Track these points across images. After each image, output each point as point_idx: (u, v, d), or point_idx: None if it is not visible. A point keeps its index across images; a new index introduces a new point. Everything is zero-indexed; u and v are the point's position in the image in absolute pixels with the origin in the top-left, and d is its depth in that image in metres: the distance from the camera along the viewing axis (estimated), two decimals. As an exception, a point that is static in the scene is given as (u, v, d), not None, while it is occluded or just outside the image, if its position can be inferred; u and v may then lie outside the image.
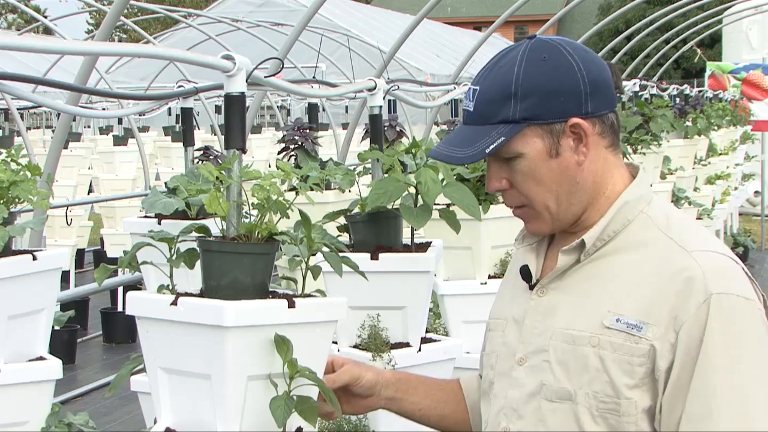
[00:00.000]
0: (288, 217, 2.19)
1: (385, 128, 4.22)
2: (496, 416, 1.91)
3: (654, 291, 1.76)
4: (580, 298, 1.84)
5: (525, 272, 1.93)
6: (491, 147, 1.80)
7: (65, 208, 9.08)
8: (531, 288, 1.92)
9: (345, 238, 3.10)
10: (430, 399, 2.17)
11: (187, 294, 2.18)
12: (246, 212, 2.20)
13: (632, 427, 1.76)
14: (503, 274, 3.82)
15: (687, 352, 1.72)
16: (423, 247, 3.15)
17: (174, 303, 2.09)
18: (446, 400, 2.18)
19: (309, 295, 2.22)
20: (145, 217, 3.05)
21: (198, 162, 3.35)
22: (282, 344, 2.04)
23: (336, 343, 3.09)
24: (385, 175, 3.09)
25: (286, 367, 2.05)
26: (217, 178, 2.22)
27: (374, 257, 2.98)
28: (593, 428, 1.77)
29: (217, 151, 3.59)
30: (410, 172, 3.00)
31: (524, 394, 1.86)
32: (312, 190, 2.59)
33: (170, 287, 2.21)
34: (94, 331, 10.33)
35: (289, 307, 2.08)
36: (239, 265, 2.09)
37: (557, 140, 1.81)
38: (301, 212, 2.20)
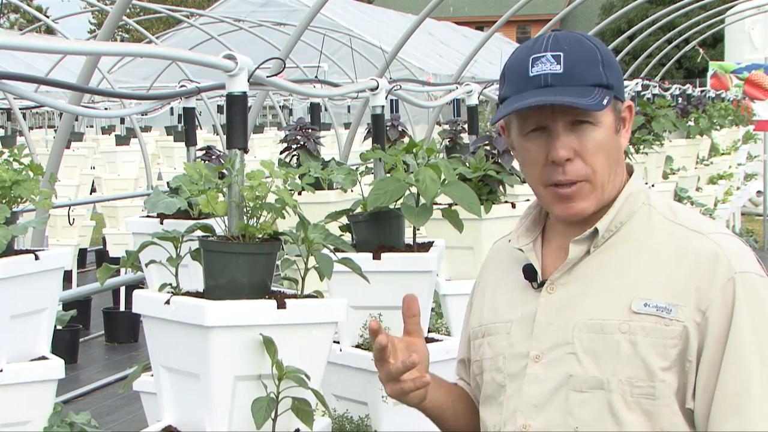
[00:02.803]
0: (284, 217, 2.19)
1: (388, 128, 4.22)
2: (512, 416, 1.90)
3: (678, 274, 1.79)
4: (599, 288, 1.84)
5: (530, 271, 1.93)
6: (606, 99, 1.79)
7: (67, 207, 9.07)
8: (539, 286, 1.91)
9: (347, 237, 3.10)
10: (454, 395, 2.12)
11: (188, 293, 2.18)
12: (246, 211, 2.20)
13: (666, 409, 1.78)
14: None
15: (717, 330, 1.75)
16: (425, 246, 3.15)
17: (167, 302, 2.10)
18: (461, 397, 2.14)
19: (309, 296, 2.22)
20: (148, 216, 3.06)
21: (200, 162, 3.35)
22: (270, 345, 2.04)
23: (338, 342, 3.09)
24: (387, 175, 3.09)
25: (274, 368, 2.05)
26: (220, 176, 2.23)
27: (376, 257, 2.99)
28: (627, 414, 1.78)
29: (219, 151, 3.60)
30: (412, 172, 3.00)
31: (546, 389, 1.85)
32: (304, 189, 2.60)
33: (174, 286, 2.22)
34: (96, 331, 10.33)
35: (278, 307, 2.08)
36: (235, 265, 2.10)
37: (619, 118, 1.86)
38: (298, 212, 2.20)
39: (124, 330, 9.93)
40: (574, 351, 1.83)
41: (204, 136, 12.63)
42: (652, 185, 6.97)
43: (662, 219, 1.87)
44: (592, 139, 1.81)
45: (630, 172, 1.94)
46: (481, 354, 2.00)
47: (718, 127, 10.44)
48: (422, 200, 2.95)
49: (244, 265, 2.11)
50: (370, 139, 3.49)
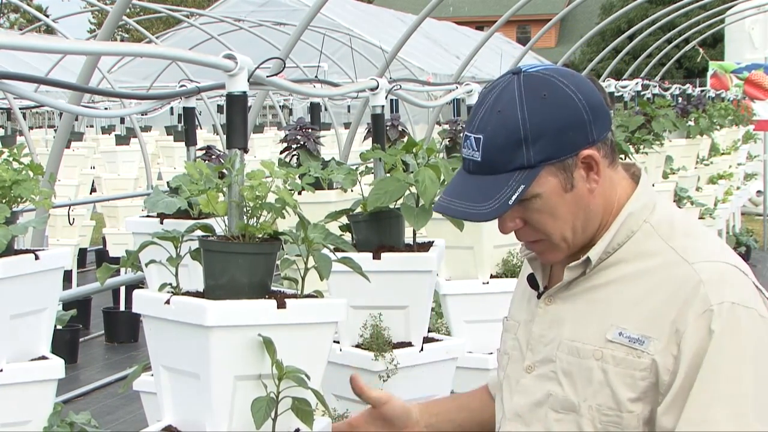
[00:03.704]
0: (284, 217, 2.19)
1: (387, 128, 4.21)
2: (503, 419, 1.92)
3: (656, 304, 1.77)
4: (585, 309, 1.84)
5: (532, 281, 1.94)
6: (513, 198, 1.76)
7: (67, 207, 9.07)
8: (539, 296, 1.92)
9: (347, 237, 3.10)
10: (466, 411, 2.16)
11: (188, 293, 2.18)
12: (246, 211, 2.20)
13: None
14: (505, 274, 3.84)
15: (687, 363, 1.72)
16: (425, 246, 3.15)
17: (167, 302, 2.10)
18: (481, 408, 2.17)
19: (309, 296, 2.22)
20: (147, 216, 3.06)
21: (201, 161, 3.35)
22: (270, 345, 2.04)
23: (338, 342, 3.09)
24: (387, 175, 3.09)
25: (274, 368, 2.05)
26: (220, 176, 2.23)
27: (376, 257, 2.98)
28: None
29: (219, 151, 3.60)
30: (412, 172, 3.00)
31: (530, 402, 1.86)
32: (304, 189, 2.60)
33: (174, 286, 2.22)
34: (96, 331, 10.33)
35: (278, 307, 2.08)
36: (235, 265, 2.10)
37: (570, 174, 1.80)
38: (298, 212, 2.20)
39: (124, 330, 9.93)
40: (555, 370, 1.84)
41: (204, 136, 12.63)
42: (653, 185, 6.96)
43: (658, 240, 1.83)
44: (535, 210, 1.81)
45: (636, 176, 1.91)
46: (499, 347, 2.04)
47: (718, 127, 10.43)
48: (422, 201, 2.95)
49: (244, 265, 2.10)
50: (370, 139, 3.49)
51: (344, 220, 3.12)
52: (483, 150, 1.78)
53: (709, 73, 18.45)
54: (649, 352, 1.74)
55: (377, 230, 3.06)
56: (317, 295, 2.23)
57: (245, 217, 2.18)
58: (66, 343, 8.61)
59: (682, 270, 1.77)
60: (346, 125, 14.18)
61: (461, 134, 4.95)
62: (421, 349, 3.12)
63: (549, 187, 1.79)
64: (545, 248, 1.86)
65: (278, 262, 2.30)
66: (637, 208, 1.86)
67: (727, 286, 1.75)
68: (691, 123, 8.43)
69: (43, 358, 2.58)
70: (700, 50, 22.26)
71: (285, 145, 3.90)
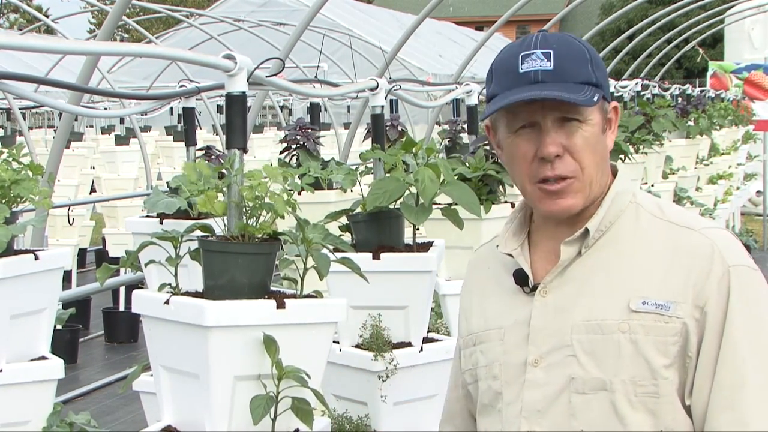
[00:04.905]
0: (283, 217, 2.19)
1: (387, 128, 4.22)
2: (515, 421, 1.89)
3: (673, 271, 1.80)
4: (593, 288, 1.84)
5: (521, 276, 1.92)
6: (596, 97, 1.80)
7: (67, 207, 9.07)
8: (532, 290, 1.91)
9: (347, 237, 3.10)
10: None
11: (187, 293, 2.18)
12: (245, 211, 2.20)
13: (669, 406, 1.78)
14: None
15: (715, 325, 1.77)
16: (425, 246, 3.15)
17: (167, 302, 2.10)
18: None
19: (309, 296, 2.22)
20: (147, 216, 3.06)
21: (201, 161, 3.35)
22: (270, 345, 2.04)
23: (338, 342, 3.10)
24: (387, 175, 3.09)
25: (274, 368, 2.05)
26: (220, 176, 2.23)
27: (376, 257, 2.99)
28: (632, 414, 1.79)
29: (219, 151, 3.60)
30: (412, 172, 3.00)
31: (548, 392, 1.85)
32: (304, 190, 2.60)
33: (174, 286, 2.22)
34: (95, 331, 10.33)
35: (278, 307, 2.08)
36: (235, 265, 2.10)
37: (605, 118, 1.87)
38: (295, 215, 2.20)
39: (124, 330, 9.93)
40: (574, 353, 1.83)
41: (204, 136, 12.63)
42: (652, 185, 6.97)
43: (651, 217, 1.88)
44: (581, 136, 1.82)
45: (614, 172, 1.95)
46: (474, 362, 1.99)
47: (718, 127, 10.44)
48: (421, 200, 2.95)
49: (243, 265, 2.11)
50: (370, 139, 3.49)
51: (344, 220, 3.12)
52: (555, 60, 1.82)
53: (709, 73, 18.45)
54: (678, 316, 1.77)
55: (377, 230, 3.06)
56: (317, 295, 2.23)
57: (244, 218, 2.18)
58: (66, 343, 8.61)
59: (691, 236, 1.83)
60: (346, 125, 14.18)
61: (460, 134, 4.94)
62: (421, 349, 3.12)
63: (596, 119, 1.85)
64: (571, 189, 1.84)
65: (278, 262, 2.30)
66: (623, 189, 1.91)
67: (735, 250, 1.84)
68: (691, 123, 8.43)
69: (43, 358, 2.58)
70: (700, 50, 22.28)
71: (285, 145, 3.90)
